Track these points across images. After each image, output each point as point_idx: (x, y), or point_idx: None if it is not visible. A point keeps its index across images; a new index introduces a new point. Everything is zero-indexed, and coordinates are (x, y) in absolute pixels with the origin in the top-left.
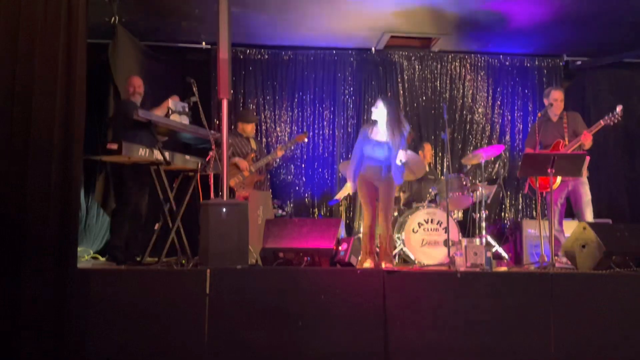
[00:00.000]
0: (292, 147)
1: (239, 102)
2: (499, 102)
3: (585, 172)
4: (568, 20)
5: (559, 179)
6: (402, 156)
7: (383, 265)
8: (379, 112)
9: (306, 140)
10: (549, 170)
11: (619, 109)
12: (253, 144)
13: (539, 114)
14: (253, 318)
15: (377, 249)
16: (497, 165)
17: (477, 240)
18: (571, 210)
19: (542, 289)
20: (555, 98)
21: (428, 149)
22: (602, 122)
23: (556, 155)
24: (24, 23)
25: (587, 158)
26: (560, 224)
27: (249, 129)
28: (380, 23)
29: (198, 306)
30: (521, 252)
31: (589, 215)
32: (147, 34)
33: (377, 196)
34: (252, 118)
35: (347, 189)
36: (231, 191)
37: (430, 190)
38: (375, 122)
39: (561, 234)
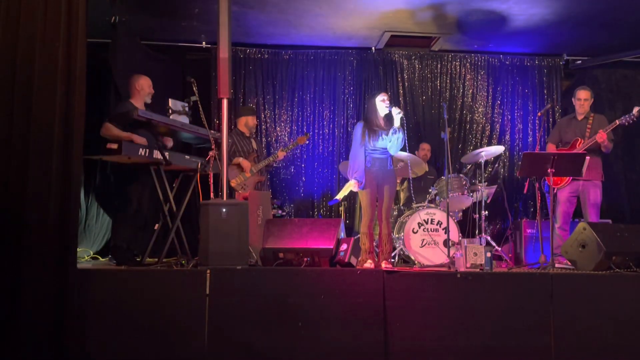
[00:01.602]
0: (293, 148)
1: (239, 102)
2: (499, 102)
3: (598, 175)
4: (568, 20)
5: (566, 178)
6: (396, 111)
7: (383, 264)
8: (385, 104)
9: (307, 142)
10: (549, 170)
11: (635, 110)
12: (254, 144)
13: (539, 113)
14: (253, 318)
15: (376, 249)
16: (497, 165)
17: (477, 241)
18: (579, 211)
19: (542, 289)
20: (579, 97)
21: (426, 149)
22: (617, 122)
23: (556, 155)
24: (24, 22)
25: (587, 158)
26: (567, 222)
27: (252, 123)
28: (380, 22)
29: (198, 306)
30: (521, 252)
31: (593, 218)
32: (147, 34)
33: (379, 195)
34: (254, 111)
35: (347, 189)
36: (231, 191)
37: (430, 190)
38: (373, 117)
39: (566, 233)
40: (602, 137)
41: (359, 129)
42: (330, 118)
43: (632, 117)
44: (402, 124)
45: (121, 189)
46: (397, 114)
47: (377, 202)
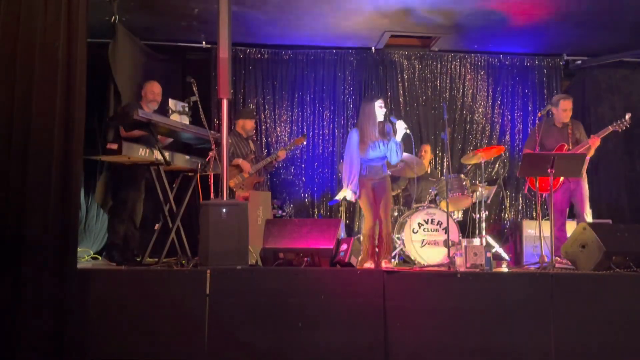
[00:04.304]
0: (292, 149)
1: (239, 102)
2: (499, 102)
3: (585, 173)
4: (568, 20)
5: (560, 179)
6: (402, 125)
7: (383, 264)
8: (383, 111)
9: (305, 142)
10: (549, 170)
11: (627, 116)
12: (252, 145)
13: (539, 113)
14: (253, 318)
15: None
16: (497, 165)
17: (477, 241)
18: (572, 211)
19: (542, 289)
20: (565, 108)
21: (426, 150)
22: (610, 128)
23: (556, 155)
24: (24, 23)
25: (587, 158)
26: (564, 224)
27: (249, 126)
28: (380, 22)
29: (198, 306)
30: (521, 253)
31: (587, 208)
32: (147, 34)
33: (376, 198)
34: (253, 115)
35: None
36: (231, 191)
37: (430, 190)
38: (369, 123)
39: (564, 234)
40: (595, 142)
41: (354, 137)
42: (330, 118)
43: (625, 123)
44: (404, 139)
45: (115, 189)
46: (402, 129)
47: (375, 204)
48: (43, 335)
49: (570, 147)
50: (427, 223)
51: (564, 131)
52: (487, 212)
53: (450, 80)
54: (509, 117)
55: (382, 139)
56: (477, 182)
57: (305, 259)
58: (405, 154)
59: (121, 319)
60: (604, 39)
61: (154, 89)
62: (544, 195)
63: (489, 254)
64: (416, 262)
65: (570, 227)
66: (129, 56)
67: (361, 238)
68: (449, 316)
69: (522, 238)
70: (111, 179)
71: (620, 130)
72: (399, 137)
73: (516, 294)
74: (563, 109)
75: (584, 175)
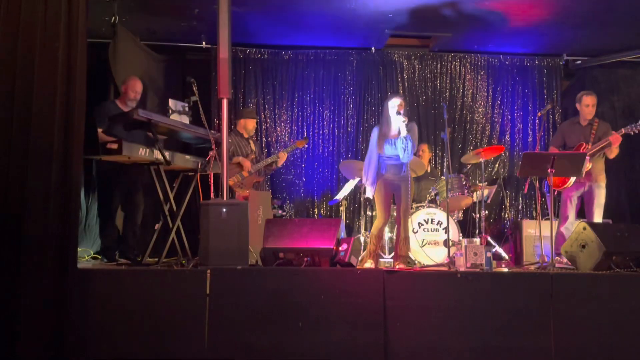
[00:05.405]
0: (292, 151)
1: (239, 102)
2: (498, 102)
3: (603, 177)
4: (568, 20)
5: (573, 177)
6: (401, 119)
7: (397, 267)
8: (396, 110)
9: (306, 145)
10: (549, 170)
11: None
12: (252, 146)
13: (539, 113)
14: (253, 318)
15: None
16: (497, 165)
17: (477, 240)
18: (582, 211)
19: (542, 289)
20: (587, 104)
21: (424, 150)
22: (623, 130)
23: (556, 155)
24: (24, 23)
25: (587, 157)
26: (572, 223)
27: (251, 126)
28: (380, 22)
29: (198, 306)
30: (521, 252)
31: (597, 218)
32: (147, 34)
33: (395, 200)
34: (254, 114)
35: (348, 188)
36: (231, 191)
37: (430, 190)
38: (388, 120)
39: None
40: (617, 139)
41: (374, 134)
42: (330, 118)
43: (638, 127)
44: (409, 131)
45: (104, 192)
46: (401, 122)
47: (392, 206)
48: (43, 336)
49: (590, 147)
50: (427, 223)
51: (586, 130)
52: (487, 212)
53: (450, 80)
54: (509, 117)
55: (399, 137)
56: (477, 182)
57: (306, 258)
58: None
59: (121, 319)
60: (604, 39)
61: (136, 88)
62: (555, 191)
63: (489, 254)
64: (416, 262)
65: None
66: (129, 56)
67: (360, 238)
68: (449, 316)
69: (522, 238)
70: (98, 181)
71: (633, 134)
72: (403, 131)
73: (516, 293)
74: (585, 105)
75: (602, 184)
